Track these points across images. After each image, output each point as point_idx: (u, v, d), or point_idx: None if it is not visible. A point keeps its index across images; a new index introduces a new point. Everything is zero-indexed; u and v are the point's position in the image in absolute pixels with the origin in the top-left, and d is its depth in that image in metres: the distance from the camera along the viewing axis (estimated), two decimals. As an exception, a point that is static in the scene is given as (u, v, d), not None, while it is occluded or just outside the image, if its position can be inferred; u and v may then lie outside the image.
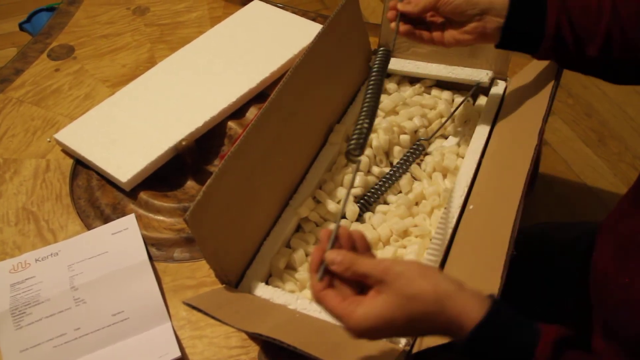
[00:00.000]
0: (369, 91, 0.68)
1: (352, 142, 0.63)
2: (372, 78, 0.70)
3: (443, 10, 0.74)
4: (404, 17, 0.77)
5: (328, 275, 0.52)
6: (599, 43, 0.69)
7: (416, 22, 0.78)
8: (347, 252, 0.52)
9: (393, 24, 0.78)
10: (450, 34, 0.75)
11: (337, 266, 0.51)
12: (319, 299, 0.52)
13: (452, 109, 0.91)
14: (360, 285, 0.52)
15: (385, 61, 0.73)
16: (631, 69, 0.71)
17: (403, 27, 0.77)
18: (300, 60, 0.78)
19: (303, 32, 1.05)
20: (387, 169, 0.86)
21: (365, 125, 0.64)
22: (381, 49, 0.74)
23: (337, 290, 0.52)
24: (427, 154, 0.89)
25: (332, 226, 0.55)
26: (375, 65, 0.72)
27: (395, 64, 0.96)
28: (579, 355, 0.48)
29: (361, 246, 0.54)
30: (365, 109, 0.66)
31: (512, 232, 0.61)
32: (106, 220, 0.82)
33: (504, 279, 0.57)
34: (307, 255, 0.76)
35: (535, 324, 0.49)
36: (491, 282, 0.57)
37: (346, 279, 0.52)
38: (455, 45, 0.76)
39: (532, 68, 0.88)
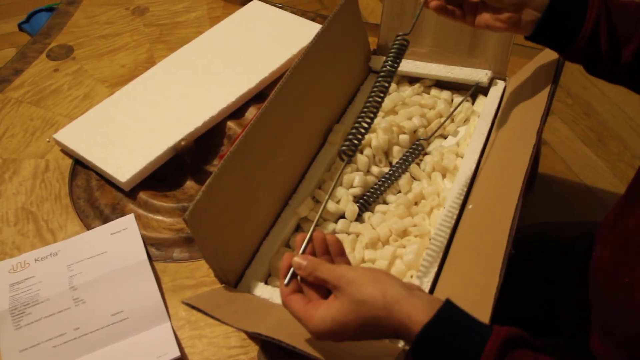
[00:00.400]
0: (375, 87, 0.68)
1: (347, 142, 0.64)
2: (382, 71, 0.69)
3: None
4: None
5: (297, 280, 0.55)
6: (634, 48, 0.67)
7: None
8: (312, 258, 0.55)
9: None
10: (483, 18, 0.72)
11: (302, 271, 0.54)
12: (284, 303, 0.55)
13: (451, 109, 0.91)
14: (328, 290, 0.54)
15: (400, 51, 0.71)
16: None
17: (435, 2, 0.74)
18: (299, 60, 0.78)
19: (302, 32, 1.05)
20: (386, 169, 0.86)
21: (364, 125, 0.65)
22: (399, 36, 0.71)
23: (305, 294, 0.55)
24: (426, 153, 0.89)
25: (311, 231, 0.57)
26: (390, 56, 0.71)
27: (395, 64, 0.96)
28: (527, 355, 0.47)
29: (334, 251, 0.57)
30: (367, 105, 0.67)
31: (511, 231, 0.61)
32: (105, 220, 0.82)
33: (502, 277, 0.57)
34: (306, 255, 0.76)
35: (487, 326, 0.49)
36: (489, 281, 0.57)
37: (315, 285, 0.54)
38: (484, 29, 0.73)
39: (531, 68, 0.88)
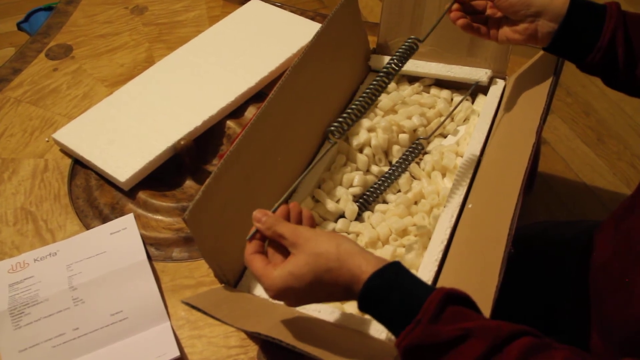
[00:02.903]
0: (375, 80, 0.69)
1: (336, 123, 0.65)
2: (386, 68, 0.70)
3: (499, 4, 0.72)
4: (463, 8, 0.77)
5: (262, 243, 0.57)
6: None
7: (476, 16, 0.77)
8: (273, 215, 0.57)
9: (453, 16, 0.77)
10: (504, 32, 0.74)
11: (261, 225, 0.56)
12: (246, 262, 0.56)
13: (451, 108, 0.91)
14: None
15: (409, 51, 0.72)
16: None
17: (462, 20, 0.76)
18: (298, 60, 0.78)
19: (302, 31, 1.05)
20: (386, 168, 0.86)
21: (357, 112, 0.66)
22: (411, 39, 0.72)
23: (267, 256, 0.56)
24: (426, 152, 0.89)
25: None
26: (397, 53, 0.71)
27: (394, 63, 0.96)
28: (465, 312, 0.48)
29: (306, 224, 0.59)
30: (363, 95, 0.68)
31: (510, 229, 0.61)
32: (105, 220, 0.81)
33: (501, 275, 0.57)
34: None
35: (431, 285, 0.51)
36: (489, 280, 0.57)
37: (277, 247, 0.56)
38: (506, 43, 0.75)
39: (530, 67, 0.88)
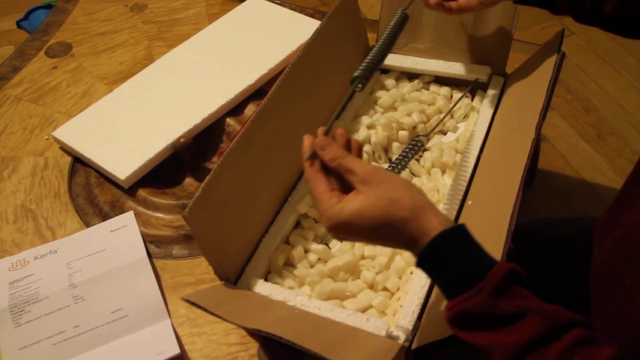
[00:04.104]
0: (385, 34, 0.69)
1: (361, 70, 0.63)
2: (388, 29, 0.70)
3: None
4: None
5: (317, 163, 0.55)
6: (615, 1, 0.70)
7: None
8: (335, 144, 0.55)
9: None
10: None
11: (327, 154, 0.54)
12: (309, 178, 0.54)
13: (451, 105, 0.91)
14: (343, 185, 0.54)
15: (400, 22, 0.72)
16: None
17: (433, 0, 0.79)
18: (298, 57, 0.78)
19: (301, 28, 1.05)
20: (385, 165, 0.86)
21: (378, 56, 0.65)
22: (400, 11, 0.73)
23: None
24: (425, 149, 0.89)
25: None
26: (390, 26, 0.71)
27: (394, 60, 0.96)
28: (525, 292, 0.48)
29: (356, 153, 0.57)
30: (379, 45, 0.67)
31: (510, 225, 0.61)
32: (105, 217, 0.82)
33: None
34: (305, 252, 0.76)
35: (494, 258, 0.50)
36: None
37: (337, 176, 0.54)
38: (481, 7, 0.78)
39: (530, 63, 0.88)
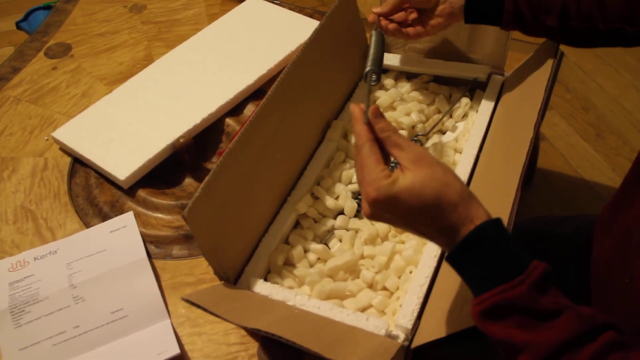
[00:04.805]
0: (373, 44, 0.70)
1: (370, 63, 0.66)
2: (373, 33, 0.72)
3: (412, 2, 0.82)
4: (386, 17, 0.84)
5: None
6: (556, 15, 0.75)
7: (400, 22, 0.85)
8: (384, 118, 0.54)
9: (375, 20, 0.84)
10: (429, 24, 0.83)
11: (378, 122, 0.53)
12: (365, 144, 0.53)
13: (450, 104, 0.91)
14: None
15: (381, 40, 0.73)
16: (589, 35, 0.76)
17: (391, 26, 0.84)
18: (297, 57, 0.78)
19: (300, 28, 1.05)
20: (384, 165, 0.86)
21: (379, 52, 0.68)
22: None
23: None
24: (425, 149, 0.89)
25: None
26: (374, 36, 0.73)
27: (393, 60, 0.96)
28: (562, 293, 0.48)
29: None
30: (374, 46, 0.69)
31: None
32: (104, 218, 0.82)
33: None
34: (305, 251, 0.76)
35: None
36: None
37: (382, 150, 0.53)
38: (435, 31, 0.84)
39: (528, 63, 0.88)
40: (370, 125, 0.54)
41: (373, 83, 0.65)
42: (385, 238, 0.77)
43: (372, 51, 0.68)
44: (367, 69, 0.66)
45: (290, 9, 1.13)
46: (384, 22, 0.84)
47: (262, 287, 0.69)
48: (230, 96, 0.94)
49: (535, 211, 1.48)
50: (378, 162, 0.52)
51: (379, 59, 0.68)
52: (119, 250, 0.76)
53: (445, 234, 0.51)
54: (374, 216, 0.53)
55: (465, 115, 0.92)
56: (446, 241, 0.51)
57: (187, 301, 0.63)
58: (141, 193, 0.84)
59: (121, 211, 0.82)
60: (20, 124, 0.95)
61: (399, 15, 0.85)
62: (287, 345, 0.57)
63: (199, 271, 0.76)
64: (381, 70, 0.67)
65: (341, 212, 0.81)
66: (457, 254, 0.50)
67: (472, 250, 0.49)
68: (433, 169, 0.50)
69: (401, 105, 0.91)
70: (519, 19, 0.77)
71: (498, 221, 0.50)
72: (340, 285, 0.71)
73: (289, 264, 0.75)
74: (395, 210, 0.51)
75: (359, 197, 0.82)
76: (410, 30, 0.84)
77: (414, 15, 0.84)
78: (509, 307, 0.47)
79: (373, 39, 0.71)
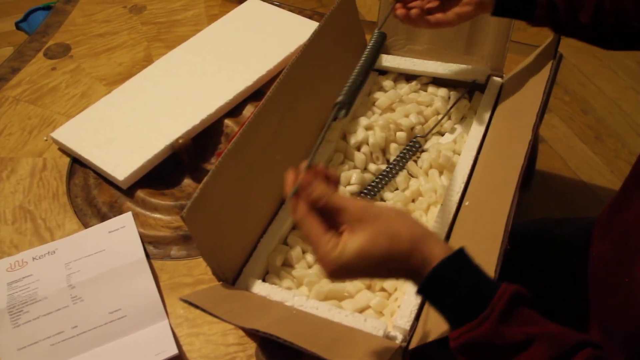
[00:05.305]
0: (364, 55, 0.68)
1: (343, 95, 0.61)
2: (364, 56, 0.69)
3: None
4: (404, 5, 0.80)
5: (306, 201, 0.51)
6: (590, 11, 0.72)
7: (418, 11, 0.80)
8: (320, 182, 0.52)
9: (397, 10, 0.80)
10: (452, 12, 0.78)
11: (312, 192, 0.51)
12: (301, 221, 0.51)
13: (449, 106, 0.92)
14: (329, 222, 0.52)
15: (379, 42, 0.72)
16: (622, 35, 0.74)
17: (413, 11, 0.79)
18: (296, 58, 0.78)
19: (299, 30, 1.06)
20: (383, 166, 0.86)
21: (357, 81, 0.64)
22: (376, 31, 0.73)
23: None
24: (423, 150, 0.89)
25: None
26: (368, 47, 0.71)
27: (392, 62, 0.97)
28: (530, 313, 0.47)
29: (333, 187, 0.54)
30: (358, 67, 0.66)
31: (506, 226, 0.61)
32: (103, 218, 0.82)
33: (497, 272, 0.57)
34: (304, 252, 0.76)
35: (495, 281, 0.49)
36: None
37: (324, 214, 0.52)
38: (459, 21, 0.78)
39: (527, 65, 0.88)
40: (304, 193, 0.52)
41: (340, 116, 0.61)
42: (383, 239, 0.77)
43: (357, 69, 0.65)
44: (338, 99, 0.60)
45: (290, 10, 1.13)
46: (400, 10, 0.80)
47: (260, 288, 0.69)
48: (230, 97, 0.94)
49: (535, 213, 1.48)
50: (320, 235, 0.50)
51: (357, 83, 0.63)
52: (117, 251, 0.76)
53: (408, 277, 0.51)
54: (339, 281, 0.53)
55: (464, 117, 0.92)
56: (412, 281, 0.51)
57: (186, 302, 0.63)
58: (140, 193, 0.84)
59: (120, 211, 0.82)
60: (20, 124, 0.95)
61: (416, 3, 0.80)
62: (286, 346, 0.57)
63: (197, 272, 0.76)
64: (357, 93, 0.62)
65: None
66: (422, 294, 0.50)
67: (434, 291, 0.49)
68: (378, 223, 0.50)
69: (400, 106, 0.91)
70: (552, 13, 0.74)
71: (456, 256, 0.49)
72: (338, 286, 0.71)
73: (288, 264, 0.75)
74: (353, 274, 0.51)
75: (359, 197, 0.82)
76: (430, 18, 0.79)
77: (433, 3, 0.79)
78: (477, 346, 0.47)
79: (371, 42, 0.69)
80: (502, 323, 0.46)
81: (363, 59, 0.68)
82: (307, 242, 0.52)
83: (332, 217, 0.51)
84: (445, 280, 0.48)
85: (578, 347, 0.45)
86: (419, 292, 0.50)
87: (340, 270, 0.50)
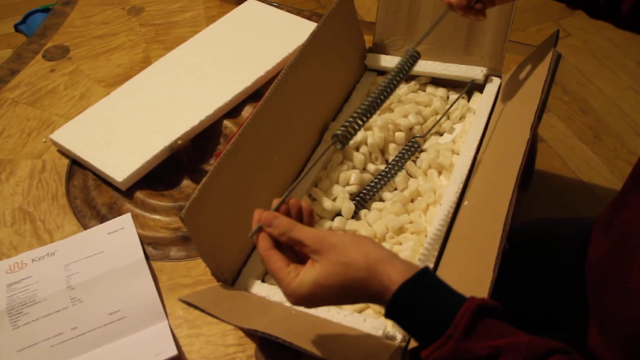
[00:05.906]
0: (380, 87, 0.65)
1: (343, 128, 0.60)
2: (389, 77, 0.67)
3: None
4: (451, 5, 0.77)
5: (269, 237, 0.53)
6: (631, 2, 0.69)
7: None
8: (285, 217, 0.54)
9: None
10: None
11: (274, 229, 0.53)
12: (264, 257, 0.53)
13: (447, 106, 0.92)
14: (297, 254, 0.54)
15: (410, 62, 0.70)
16: None
17: (477, 5, 0.77)
18: (295, 59, 0.78)
19: (298, 30, 1.06)
20: (382, 166, 0.86)
21: (362, 119, 0.62)
22: (411, 50, 0.70)
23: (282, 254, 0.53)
24: (422, 151, 0.89)
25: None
26: (397, 65, 0.69)
27: (390, 62, 0.97)
28: (496, 325, 0.47)
29: (308, 221, 0.57)
30: (368, 100, 0.63)
31: (505, 225, 0.61)
32: (102, 219, 0.82)
33: (496, 272, 0.57)
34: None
35: (462, 295, 0.49)
36: (484, 276, 0.57)
37: (285, 247, 0.54)
38: (502, 2, 0.77)
39: (525, 64, 0.88)
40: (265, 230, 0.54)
41: (337, 147, 0.61)
42: (382, 239, 0.77)
43: (368, 101, 0.62)
44: (337, 131, 0.59)
45: (288, 11, 1.13)
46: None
47: (259, 288, 0.69)
48: (228, 98, 0.94)
49: (534, 213, 1.48)
50: (281, 269, 0.52)
51: (363, 119, 0.61)
52: (116, 252, 0.76)
53: (374, 302, 0.51)
54: (309, 308, 0.55)
55: (462, 117, 0.92)
56: (378, 303, 0.51)
57: (185, 302, 0.63)
58: (139, 195, 0.84)
59: (119, 213, 0.82)
60: (19, 126, 0.95)
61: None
62: (285, 347, 0.57)
63: (196, 272, 0.76)
64: (358, 130, 0.61)
65: (339, 214, 0.81)
66: (389, 318, 0.50)
67: (398, 315, 0.49)
68: (334, 253, 0.51)
69: (399, 107, 0.92)
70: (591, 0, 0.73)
71: (416, 278, 0.49)
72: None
73: (287, 265, 0.75)
74: (317, 301, 0.52)
75: (357, 198, 0.82)
76: (478, 6, 0.76)
77: None
78: None
79: (400, 62, 0.66)
80: (466, 339, 0.46)
81: (381, 87, 0.65)
82: (271, 276, 0.54)
83: (299, 250, 0.54)
84: (406, 304, 0.49)
85: (546, 355, 0.45)
86: (386, 317, 0.50)
87: (301, 301, 0.52)
